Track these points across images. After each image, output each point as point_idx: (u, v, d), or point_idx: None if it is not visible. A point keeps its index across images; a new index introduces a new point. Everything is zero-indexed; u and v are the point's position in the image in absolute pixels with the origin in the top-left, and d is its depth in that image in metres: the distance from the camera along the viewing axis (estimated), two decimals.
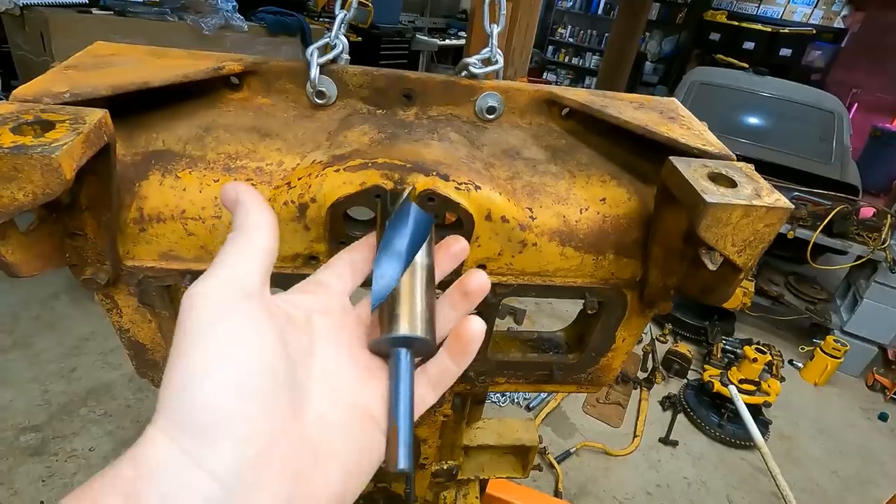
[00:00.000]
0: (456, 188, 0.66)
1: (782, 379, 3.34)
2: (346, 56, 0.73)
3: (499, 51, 0.75)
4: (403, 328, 0.41)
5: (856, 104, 8.22)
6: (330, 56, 0.71)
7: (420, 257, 0.45)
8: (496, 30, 0.73)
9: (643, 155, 0.77)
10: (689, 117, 0.74)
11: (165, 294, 0.74)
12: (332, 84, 0.73)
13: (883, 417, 3.55)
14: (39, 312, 2.95)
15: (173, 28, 3.43)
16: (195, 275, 0.73)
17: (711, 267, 0.67)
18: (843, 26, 8.26)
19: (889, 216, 3.44)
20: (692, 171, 0.58)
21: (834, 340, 3.59)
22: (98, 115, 0.52)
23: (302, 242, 0.69)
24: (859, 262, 3.53)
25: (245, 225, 0.38)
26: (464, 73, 0.76)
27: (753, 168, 0.63)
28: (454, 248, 0.49)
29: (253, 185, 0.68)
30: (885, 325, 3.60)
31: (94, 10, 3.22)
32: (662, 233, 0.70)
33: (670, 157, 0.60)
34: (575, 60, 10.85)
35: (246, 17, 3.88)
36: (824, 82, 8.14)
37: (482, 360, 0.91)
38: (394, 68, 0.74)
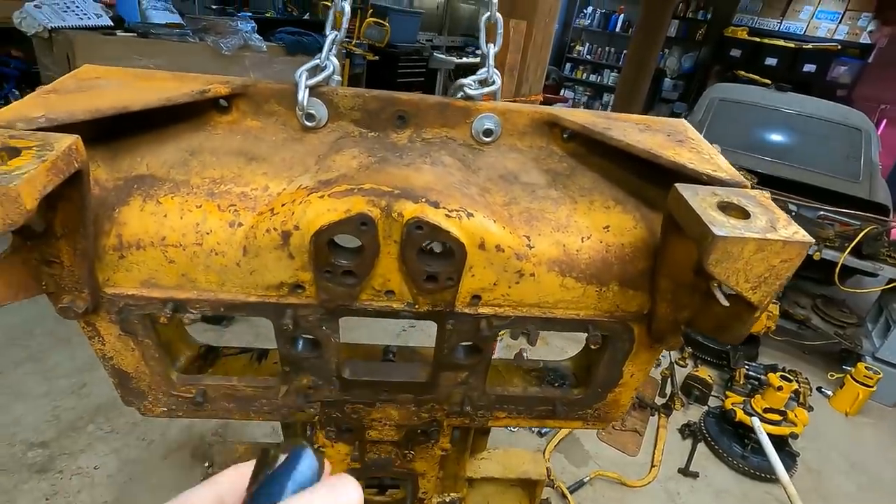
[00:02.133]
0: (446, 215, 0.62)
1: (810, 408, 3.18)
2: (336, 77, 0.70)
3: (496, 71, 0.72)
4: None
5: (884, 120, 7.98)
6: (319, 78, 0.68)
7: None
8: (493, 50, 0.70)
9: (650, 179, 0.72)
10: (699, 140, 0.70)
11: (148, 322, 0.72)
12: (322, 106, 0.71)
13: None
14: (54, 328, 2.98)
15: (194, 49, 3.51)
16: (177, 304, 0.71)
17: (724, 302, 0.61)
18: (869, 42, 8.08)
19: None
20: (699, 200, 0.54)
21: (865, 367, 3.41)
22: (68, 141, 0.49)
23: (286, 271, 0.66)
24: (891, 285, 3.37)
25: None
26: (460, 95, 0.73)
27: (769, 197, 0.58)
28: None
29: (236, 210, 0.66)
30: None
31: (119, 33, 3.33)
32: (670, 264, 0.64)
33: (675, 185, 0.56)
34: (593, 77, 10.83)
35: (265, 38, 3.96)
36: (850, 98, 7.94)
37: (480, 394, 0.86)
38: (412, 87, 0.71)
